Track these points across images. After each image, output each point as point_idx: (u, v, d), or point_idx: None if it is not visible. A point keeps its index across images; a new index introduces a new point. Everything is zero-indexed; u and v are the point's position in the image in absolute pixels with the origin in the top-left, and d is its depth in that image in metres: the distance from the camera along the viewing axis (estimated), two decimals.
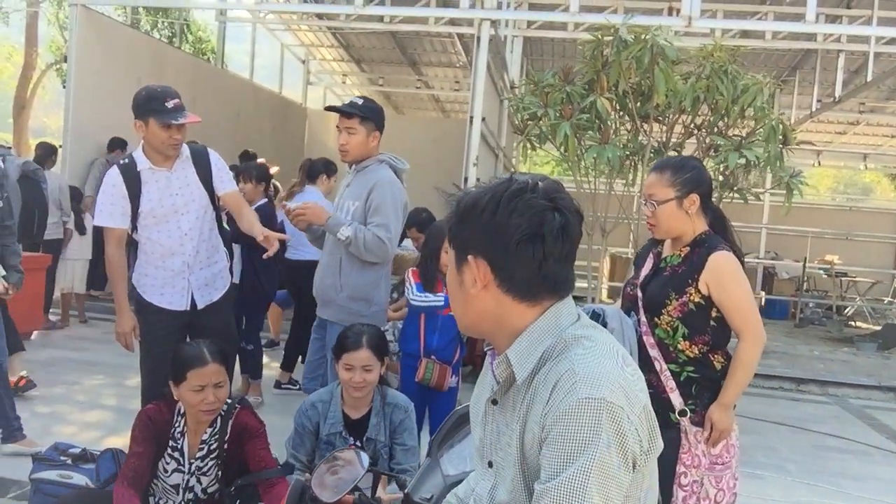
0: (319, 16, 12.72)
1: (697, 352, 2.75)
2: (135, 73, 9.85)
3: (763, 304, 13.01)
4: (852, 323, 12.67)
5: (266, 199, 5.80)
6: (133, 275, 3.74)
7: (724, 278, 2.71)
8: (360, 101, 3.75)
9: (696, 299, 2.73)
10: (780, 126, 5.53)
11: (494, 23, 8.04)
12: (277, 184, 8.50)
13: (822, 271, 13.63)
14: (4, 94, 17.70)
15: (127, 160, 3.68)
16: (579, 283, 10.29)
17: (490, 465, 1.46)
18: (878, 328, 11.45)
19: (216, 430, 2.98)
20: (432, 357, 3.91)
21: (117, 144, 9.24)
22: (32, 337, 7.02)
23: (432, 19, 11.13)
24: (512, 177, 1.42)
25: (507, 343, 1.40)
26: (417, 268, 4.10)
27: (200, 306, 3.68)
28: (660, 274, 2.86)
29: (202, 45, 18.00)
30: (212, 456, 2.99)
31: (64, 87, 10.12)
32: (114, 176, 3.62)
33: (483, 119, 7.46)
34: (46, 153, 7.88)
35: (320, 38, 15.16)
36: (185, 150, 3.70)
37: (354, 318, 3.59)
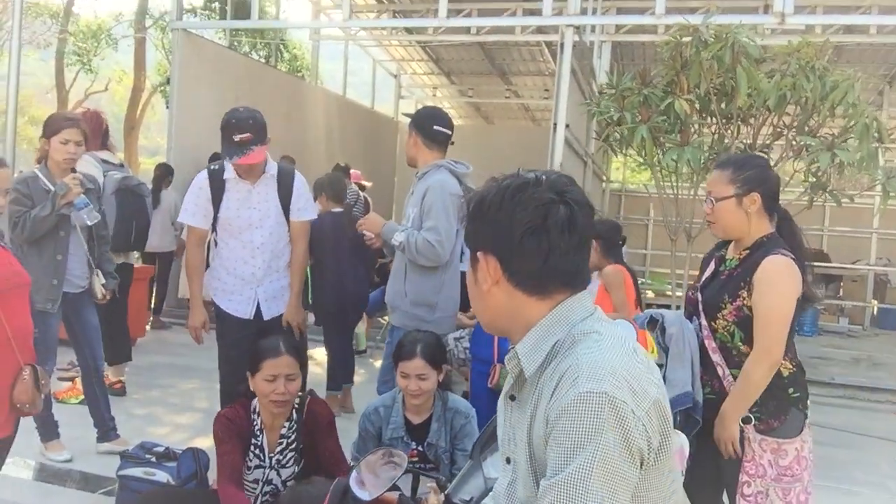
0: (409, 30, 12.96)
1: None
2: (233, 93, 10.32)
3: (875, 313, 12.29)
4: None
5: (341, 210, 5.91)
6: (206, 277, 3.92)
7: (763, 282, 2.58)
8: (419, 112, 3.94)
9: (749, 303, 2.61)
10: (875, 123, 5.23)
11: (578, 29, 7.97)
12: (369, 198, 8.70)
13: None
14: (118, 116, 18.89)
15: (217, 167, 3.88)
16: (668, 292, 10.02)
17: (508, 461, 1.47)
18: None
19: (293, 422, 3.12)
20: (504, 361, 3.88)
21: (218, 158, 9.68)
22: (136, 343, 7.41)
23: (518, 28, 11.16)
24: (518, 172, 1.43)
25: (520, 337, 1.41)
26: None
27: (266, 317, 3.82)
28: (718, 277, 2.77)
29: (297, 64, 18.65)
30: (290, 448, 3.12)
31: (168, 107, 10.70)
32: (202, 179, 3.85)
33: (567, 126, 7.40)
34: (164, 174, 8.38)
35: (410, 53, 15.44)
36: (273, 167, 3.86)
37: (418, 323, 3.65)
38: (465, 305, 5.64)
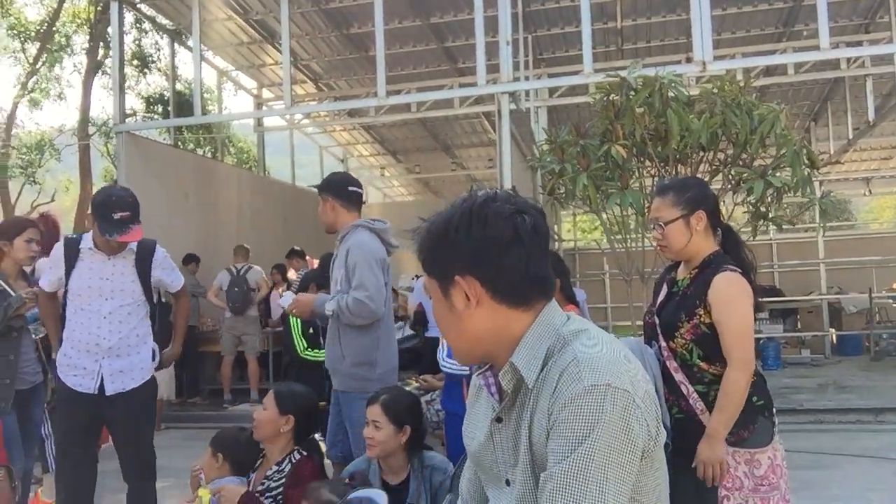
0: (351, 114, 13.26)
1: (720, 370, 2.69)
2: (183, 190, 10.38)
3: (834, 341, 12.54)
4: None
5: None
6: (57, 356, 3.83)
7: (721, 299, 2.66)
8: (324, 178, 4.08)
9: (707, 321, 2.68)
10: (804, 150, 5.49)
11: (514, 96, 8.26)
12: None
13: (891, 300, 13.10)
14: (66, 227, 18.76)
15: (76, 236, 3.86)
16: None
17: (508, 483, 1.46)
18: None
19: (280, 469, 3.19)
20: None
21: (192, 259, 9.71)
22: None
23: (457, 101, 11.51)
24: (471, 192, 1.46)
25: (507, 355, 1.41)
26: None
27: (109, 392, 3.68)
28: (673, 298, 2.84)
29: (245, 157, 18.82)
30: (269, 494, 3.13)
31: None
32: (58, 247, 3.85)
33: (513, 187, 7.57)
34: None
35: (355, 136, 15.75)
36: (133, 245, 3.80)
37: (362, 383, 3.70)
38: (430, 368, 5.64)
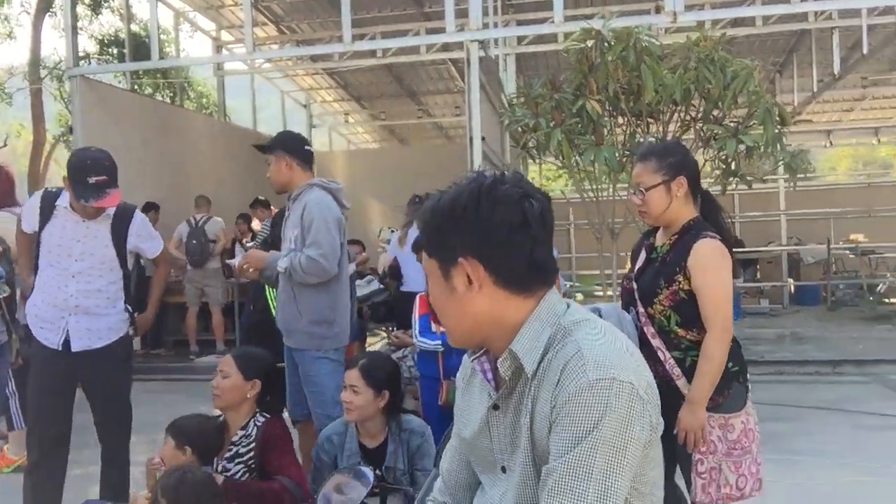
0: (314, 59, 12.92)
1: (697, 336, 2.71)
2: (140, 136, 10.08)
3: (793, 291, 12.83)
4: (886, 300, 12.42)
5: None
6: (26, 306, 3.78)
7: (701, 266, 2.67)
8: (276, 134, 3.99)
9: (686, 287, 2.69)
10: (776, 108, 5.49)
11: (483, 43, 8.10)
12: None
13: (848, 251, 13.41)
14: (20, 172, 18.15)
15: (55, 189, 3.73)
16: (598, 292, 10.23)
17: (504, 469, 1.45)
18: None
19: (246, 433, 3.12)
20: (452, 378, 3.86)
21: (150, 207, 9.46)
22: None
23: (424, 48, 11.27)
24: (480, 173, 1.42)
25: (505, 342, 1.39)
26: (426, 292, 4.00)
27: (75, 349, 3.62)
28: (652, 264, 2.84)
29: (204, 101, 18.32)
30: (239, 460, 3.08)
31: None
32: (37, 195, 3.77)
33: (483, 139, 7.49)
34: None
35: (318, 81, 15.39)
36: (110, 210, 3.70)
37: (319, 341, 3.77)
38: (405, 324, 5.59)
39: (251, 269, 3.91)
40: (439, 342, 3.74)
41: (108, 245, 3.69)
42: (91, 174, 3.47)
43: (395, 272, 6.81)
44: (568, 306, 1.42)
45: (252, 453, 3.10)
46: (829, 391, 6.85)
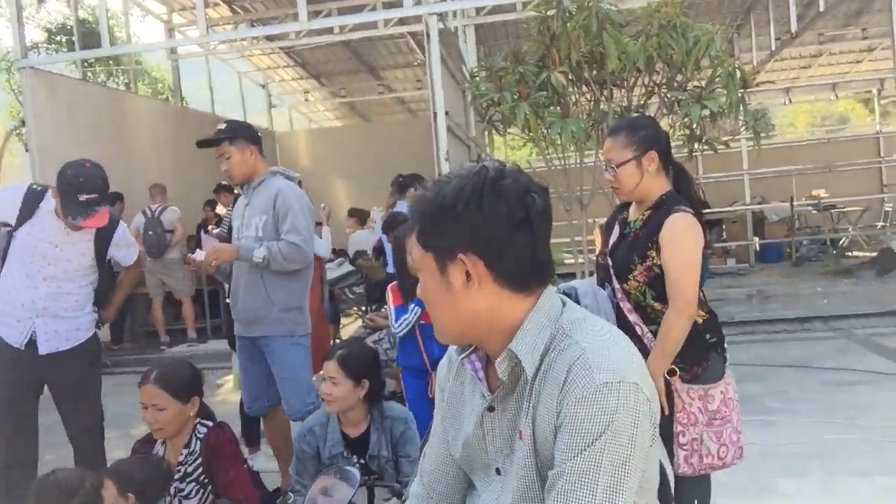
0: (270, 38, 12.66)
1: None
2: (95, 125, 9.82)
3: (758, 249, 13.01)
4: (849, 253, 12.67)
5: None
6: None
7: (672, 239, 2.66)
8: (224, 125, 3.88)
9: (659, 262, 2.69)
10: (738, 71, 5.50)
11: (441, 16, 7.99)
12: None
13: (811, 207, 13.62)
14: None
15: (40, 188, 3.63)
16: (568, 259, 10.28)
17: (498, 471, 1.43)
18: (875, 254, 11.45)
19: (191, 451, 3.00)
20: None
21: (115, 198, 9.24)
22: None
23: (381, 23, 11.10)
24: (483, 166, 1.37)
25: (501, 341, 1.36)
26: (396, 282, 3.85)
27: (42, 351, 3.56)
28: (625, 239, 2.83)
29: (159, 87, 17.92)
30: (190, 478, 2.99)
31: (27, 150, 10.07)
32: (21, 188, 3.63)
33: (447, 113, 7.42)
34: None
35: (275, 60, 15.11)
36: None
37: (292, 327, 3.81)
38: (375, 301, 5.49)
39: (216, 263, 3.81)
40: (416, 308, 3.64)
41: (87, 254, 3.64)
42: (82, 192, 3.40)
43: (379, 253, 6.75)
44: (564, 304, 1.40)
45: (200, 468, 3.00)
46: (798, 348, 6.98)
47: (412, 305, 3.57)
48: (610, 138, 2.86)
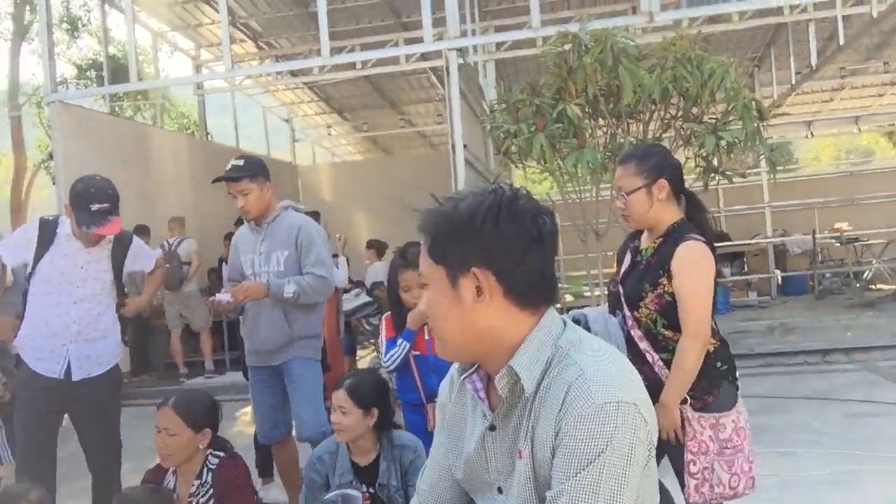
0: (294, 73, 12.91)
1: None
2: (121, 158, 10.03)
3: (780, 282, 12.88)
4: (872, 286, 12.50)
5: None
6: (18, 336, 3.73)
7: (681, 268, 2.67)
8: (241, 162, 3.95)
9: (671, 290, 2.69)
10: (753, 103, 5.52)
11: (462, 51, 8.12)
12: None
13: (833, 240, 13.49)
14: (2, 200, 18.07)
15: (52, 217, 3.74)
16: (587, 293, 10.24)
17: (500, 490, 1.44)
18: None
19: (202, 482, 3.01)
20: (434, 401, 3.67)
21: (141, 231, 9.42)
22: None
23: (403, 58, 11.28)
24: (499, 185, 1.42)
25: (503, 358, 1.38)
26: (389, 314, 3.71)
27: (76, 378, 3.63)
28: (637, 267, 2.84)
29: (185, 122, 18.26)
30: None
31: (54, 183, 10.29)
32: (33, 223, 3.73)
33: (465, 146, 7.50)
34: None
35: (299, 95, 15.37)
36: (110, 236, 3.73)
37: (311, 351, 4.00)
38: None
39: (251, 298, 3.86)
40: (403, 341, 3.56)
41: (108, 270, 3.72)
42: (94, 202, 3.49)
43: None
44: (565, 324, 1.42)
45: (212, 501, 3.00)
46: (819, 380, 6.89)
47: (400, 340, 3.50)
48: (621, 166, 2.88)
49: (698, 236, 2.73)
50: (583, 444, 1.26)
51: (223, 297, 3.87)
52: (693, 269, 2.68)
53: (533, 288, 1.38)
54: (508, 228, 1.35)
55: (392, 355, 3.46)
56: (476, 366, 1.47)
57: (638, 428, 1.28)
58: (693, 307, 2.66)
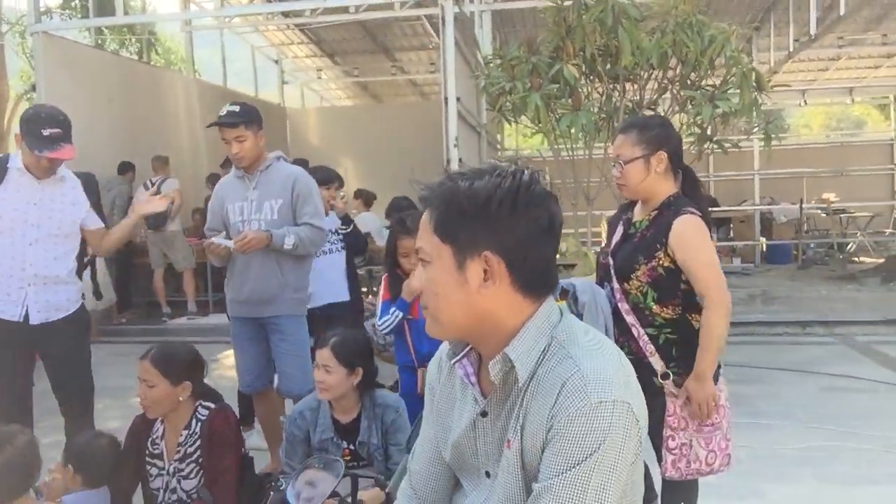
0: (286, 14, 12.60)
1: (672, 313, 2.71)
2: (106, 94, 9.82)
3: (765, 249, 12.96)
4: (856, 259, 12.60)
5: None
6: None
7: (685, 241, 2.66)
8: (238, 108, 3.86)
9: (666, 264, 2.68)
10: (752, 72, 5.45)
11: (458, 0, 7.93)
12: None
13: (820, 210, 13.54)
14: None
15: (3, 155, 3.67)
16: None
17: (488, 475, 1.43)
18: (882, 261, 11.39)
19: (191, 432, 3.01)
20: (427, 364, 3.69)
21: (128, 168, 9.30)
22: None
23: (398, 4, 11.02)
24: (517, 167, 1.38)
25: (499, 344, 1.36)
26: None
27: (35, 322, 3.55)
28: (630, 240, 2.82)
29: (172, 57, 17.88)
30: (189, 459, 3.00)
31: None
32: None
33: (458, 99, 7.38)
34: None
35: (290, 37, 15.03)
36: (64, 172, 3.63)
37: (301, 306, 3.98)
38: None
39: (253, 248, 3.79)
40: (396, 310, 3.57)
41: (64, 209, 3.61)
42: (45, 126, 3.41)
43: None
44: (562, 314, 1.40)
45: (200, 451, 3.00)
46: (797, 352, 6.96)
47: (393, 308, 3.51)
48: (621, 135, 2.84)
49: (694, 210, 2.71)
50: (576, 441, 1.25)
51: (223, 241, 3.81)
52: (696, 241, 2.68)
53: (539, 277, 1.36)
54: (524, 216, 1.32)
55: (385, 321, 3.50)
56: (466, 350, 1.44)
57: (630, 427, 1.27)
58: (708, 277, 2.67)
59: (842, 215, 13.41)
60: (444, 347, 1.54)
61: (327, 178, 5.04)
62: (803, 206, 12.56)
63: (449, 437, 1.49)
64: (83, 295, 3.83)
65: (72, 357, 3.71)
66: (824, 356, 6.75)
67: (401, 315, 3.49)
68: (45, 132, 3.40)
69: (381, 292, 3.64)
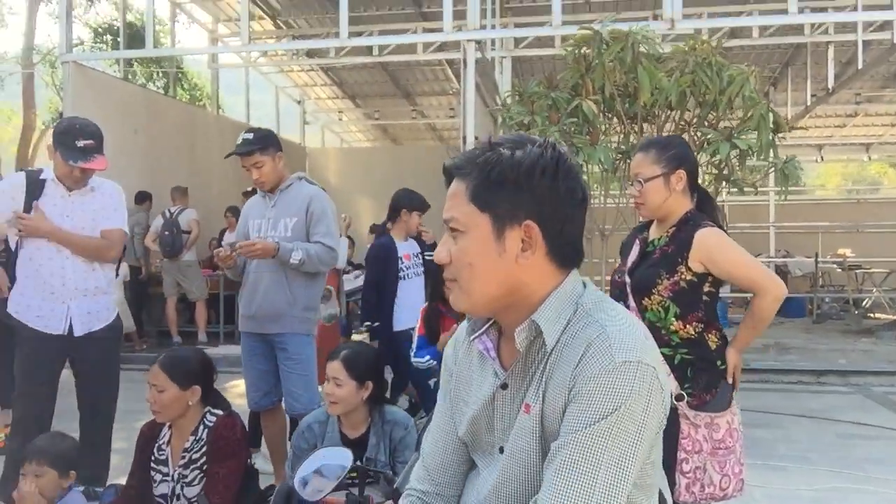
0: (310, 55, 12.86)
1: (692, 331, 2.69)
2: (131, 125, 10.00)
3: None
4: (871, 314, 12.46)
5: None
6: (11, 295, 3.68)
7: (715, 251, 2.66)
8: (251, 136, 3.97)
9: (688, 277, 2.68)
10: (770, 113, 5.48)
11: (480, 44, 8.08)
12: None
13: (835, 265, 13.44)
14: (7, 159, 17.97)
15: (35, 169, 3.72)
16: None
17: (501, 450, 1.41)
18: None
19: (197, 438, 3.01)
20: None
21: (145, 197, 9.44)
22: None
23: (420, 47, 11.24)
24: (549, 139, 1.39)
25: (523, 313, 1.35)
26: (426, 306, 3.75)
27: (78, 333, 3.60)
28: (648, 257, 2.81)
29: (198, 93, 18.22)
30: (194, 466, 2.98)
31: None
32: (19, 176, 3.70)
33: (476, 138, 7.47)
34: None
35: (313, 78, 15.33)
36: (94, 182, 3.69)
37: (309, 325, 3.97)
38: None
39: (261, 256, 3.87)
40: (430, 359, 3.63)
41: (96, 219, 3.67)
42: (79, 137, 3.48)
43: None
44: (585, 286, 1.40)
45: (205, 458, 2.99)
46: (812, 400, 6.86)
47: (427, 357, 3.57)
48: (640, 153, 2.86)
49: (712, 224, 2.73)
50: (597, 399, 1.23)
51: (232, 241, 3.94)
52: (724, 247, 2.70)
53: (571, 248, 1.38)
54: (563, 186, 1.34)
55: (419, 363, 3.54)
56: (487, 325, 1.44)
57: (654, 391, 1.25)
58: (750, 274, 2.72)
59: (857, 271, 13.29)
60: (465, 325, 1.54)
61: (421, 205, 5.47)
62: (819, 260, 12.47)
63: (466, 413, 1.47)
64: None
65: (105, 366, 3.74)
66: (840, 405, 6.65)
67: (435, 364, 3.53)
68: (80, 143, 3.48)
69: (418, 325, 3.66)
